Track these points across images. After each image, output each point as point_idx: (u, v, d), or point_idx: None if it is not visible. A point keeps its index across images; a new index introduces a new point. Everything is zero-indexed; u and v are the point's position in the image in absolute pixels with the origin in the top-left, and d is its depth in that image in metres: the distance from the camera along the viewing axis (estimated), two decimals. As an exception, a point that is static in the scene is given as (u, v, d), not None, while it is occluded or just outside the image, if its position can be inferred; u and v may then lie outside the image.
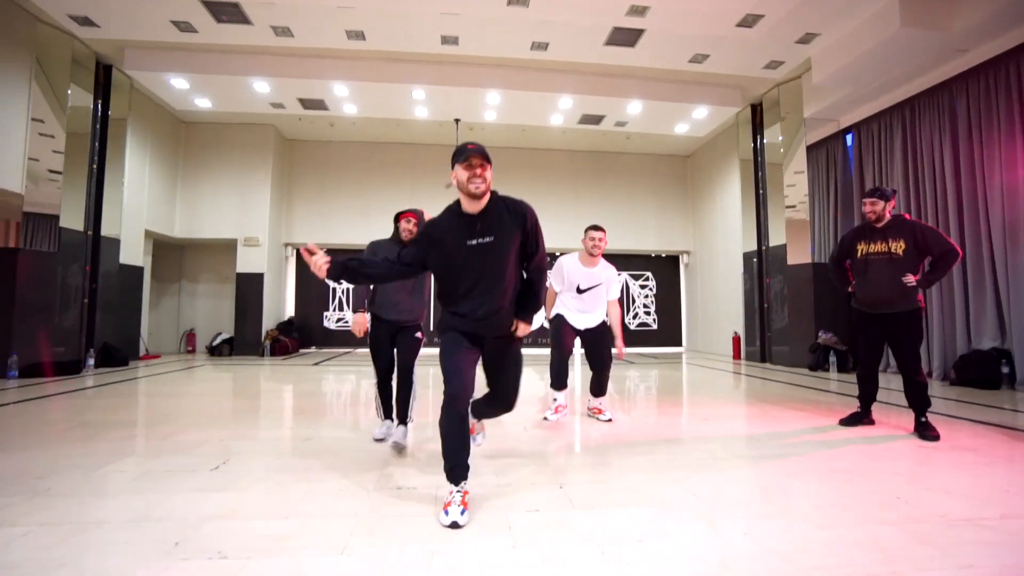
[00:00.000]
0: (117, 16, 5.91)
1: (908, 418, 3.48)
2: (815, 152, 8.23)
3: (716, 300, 10.03)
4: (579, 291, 3.54)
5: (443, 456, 1.98)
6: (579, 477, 2.43)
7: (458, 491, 1.92)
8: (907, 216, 3.37)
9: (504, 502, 2.10)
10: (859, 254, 3.38)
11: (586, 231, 3.59)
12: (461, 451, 1.96)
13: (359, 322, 2.98)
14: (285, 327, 9.89)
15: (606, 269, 3.60)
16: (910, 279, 3.18)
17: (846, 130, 7.72)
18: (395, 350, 3.06)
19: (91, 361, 6.76)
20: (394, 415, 3.08)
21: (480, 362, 2.15)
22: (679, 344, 11.39)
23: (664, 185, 11.25)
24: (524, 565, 1.58)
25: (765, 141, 8.17)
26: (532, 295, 2.15)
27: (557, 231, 10.70)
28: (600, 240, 3.49)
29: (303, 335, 10.36)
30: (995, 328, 5.56)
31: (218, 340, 9.24)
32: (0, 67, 5.74)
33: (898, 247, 3.24)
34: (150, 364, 7.67)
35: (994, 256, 5.54)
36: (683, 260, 11.48)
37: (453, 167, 1.99)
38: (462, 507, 1.87)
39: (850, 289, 3.50)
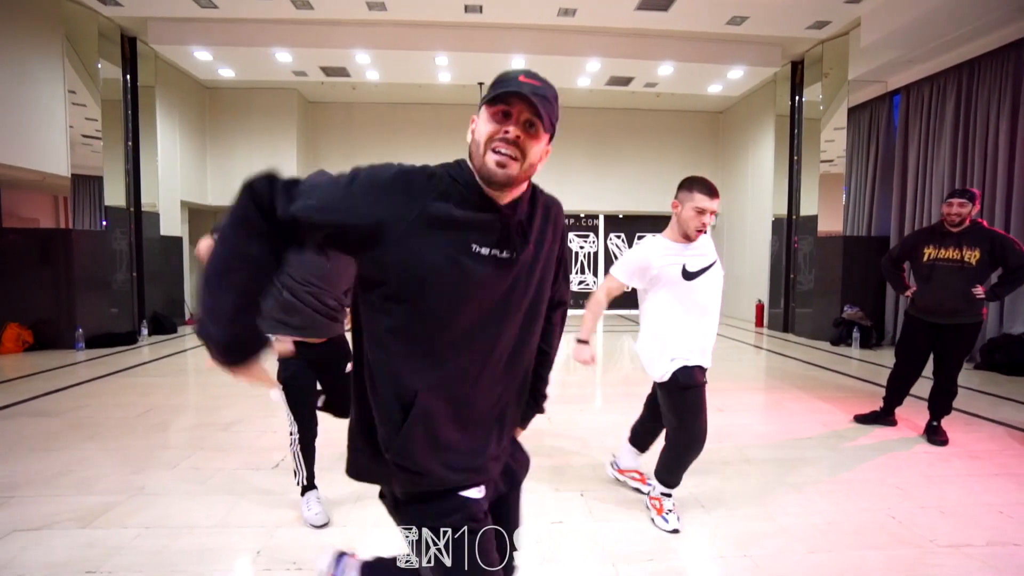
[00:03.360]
0: (139, -7, 5.88)
1: (923, 415, 3.46)
2: (857, 115, 7.79)
3: (742, 264, 9.94)
4: (687, 276, 2.13)
5: None
6: (599, 485, 2.67)
7: None
8: (984, 223, 3.17)
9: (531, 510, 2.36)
10: (925, 258, 3.18)
11: (688, 190, 2.12)
12: None
13: None
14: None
15: (710, 244, 2.27)
16: (979, 291, 3.04)
17: (894, 92, 7.25)
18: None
19: (144, 331, 7.30)
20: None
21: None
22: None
23: (694, 143, 10.85)
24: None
25: (804, 99, 7.76)
26: (548, 363, 1.21)
27: (582, 194, 10.60)
28: (712, 215, 2.12)
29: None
30: (1029, 312, 5.47)
31: (256, 303, 9.73)
32: (34, 51, 5.84)
33: (972, 256, 3.03)
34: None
35: (1037, 238, 5.35)
36: (711, 222, 11.25)
37: (480, 108, 0.95)
38: None
39: (908, 294, 3.35)
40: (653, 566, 1.95)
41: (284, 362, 2.11)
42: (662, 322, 2.16)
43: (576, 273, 11.06)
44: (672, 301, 2.15)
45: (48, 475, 2.71)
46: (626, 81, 8.24)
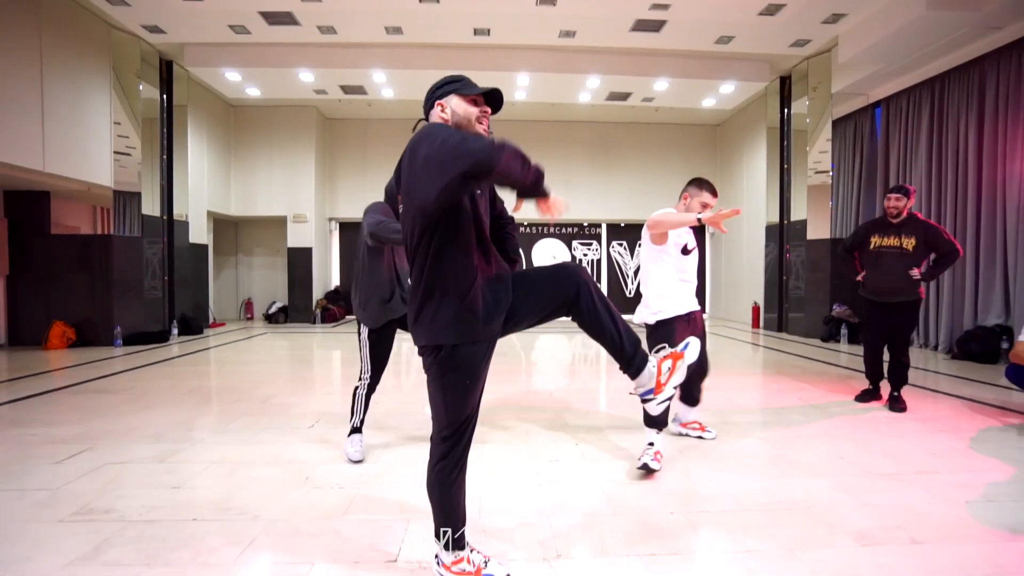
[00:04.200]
0: (183, 24, 6.55)
1: (912, 394, 3.90)
2: (842, 125, 8.27)
3: (739, 268, 10.35)
4: (686, 251, 2.75)
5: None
6: (591, 435, 3.10)
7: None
8: (919, 215, 3.67)
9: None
10: (872, 246, 3.68)
11: (699, 187, 2.72)
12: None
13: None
14: (332, 296, 10.83)
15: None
16: (916, 273, 3.54)
17: (875, 104, 7.73)
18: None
19: (175, 331, 7.82)
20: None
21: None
22: (703, 311, 11.81)
23: (693, 154, 11.36)
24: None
25: (793, 112, 8.26)
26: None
27: (586, 203, 11.10)
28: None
29: (348, 303, 11.31)
30: (1001, 306, 5.84)
31: (273, 308, 10.26)
32: (86, 74, 6.48)
33: (909, 243, 3.54)
34: (219, 332, 8.73)
35: (1007, 238, 5.75)
36: (709, 229, 11.71)
37: (445, 95, 1.48)
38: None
39: (859, 278, 3.82)
40: (636, 486, 2.36)
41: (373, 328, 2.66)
42: (662, 286, 2.72)
43: (580, 279, 11.49)
44: (673, 272, 2.74)
45: (122, 431, 3.18)
46: (624, 96, 8.79)
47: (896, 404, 3.65)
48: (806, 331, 7.90)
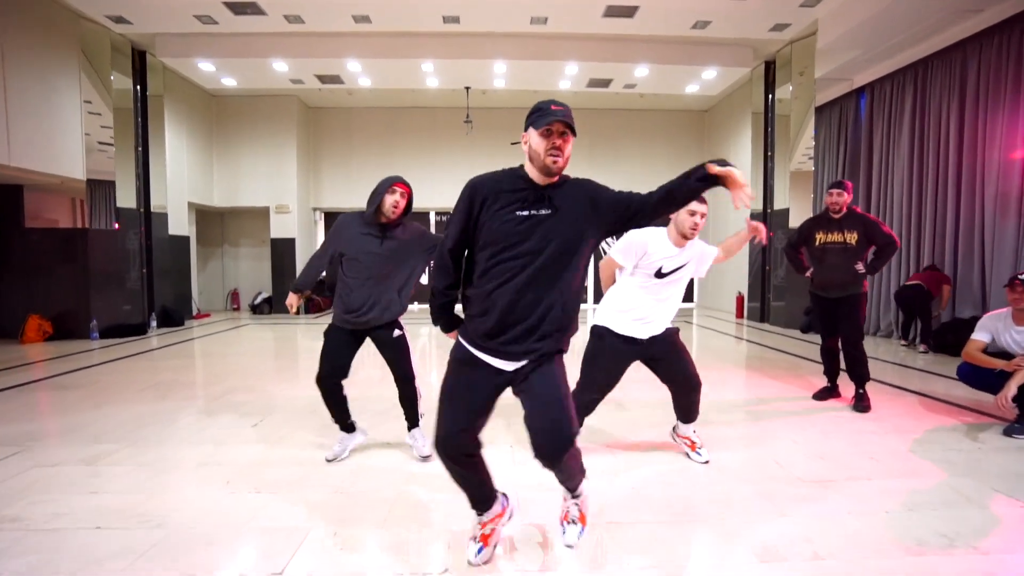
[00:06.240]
0: (147, 14, 6.44)
1: (875, 391, 3.80)
2: (827, 111, 8.09)
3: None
4: (659, 275, 2.46)
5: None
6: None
7: (479, 522, 1.80)
8: (857, 209, 3.64)
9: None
10: (817, 243, 3.65)
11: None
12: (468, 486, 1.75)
13: (291, 302, 2.76)
14: (317, 287, 10.81)
15: (695, 243, 2.53)
16: (860, 267, 3.52)
17: (860, 90, 7.54)
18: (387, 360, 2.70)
19: (154, 323, 7.85)
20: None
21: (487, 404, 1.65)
22: (690, 300, 11.74)
23: (681, 142, 11.18)
24: None
25: (777, 97, 8.08)
26: None
27: (570, 192, 10.96)
28: (702, 218, 2.36)
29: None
30: (978, 298, 5.74)
31: (259, 299, 10.27)
32: (54, 65, 6.39)
33: (852, 237, 3.52)
34: (202, 323, 8.75)
35: (984, 227, 5.63)
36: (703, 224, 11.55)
37: (527, 128, 1.58)
38: (480, 544, 1.76)
39: (807, 275, 3.80)
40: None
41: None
42: (622, 301, 2.52)
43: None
44: (639, 290, 2.49)
45: (64, 431, 3.18)
46: (605, 83, 8.62)
47: (860, 403, 3.57)
48: (787, 322, 7.83)
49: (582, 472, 1.80)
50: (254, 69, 8.04)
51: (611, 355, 2.52)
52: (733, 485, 2.41)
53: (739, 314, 9.29)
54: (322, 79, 8.46)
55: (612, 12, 6.35)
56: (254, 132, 10.10)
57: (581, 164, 10.96)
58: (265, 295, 10.37)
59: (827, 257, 3.60)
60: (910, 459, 2.72)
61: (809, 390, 4.09)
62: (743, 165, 9.25)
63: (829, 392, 3.87)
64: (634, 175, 10.95)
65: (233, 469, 2.60)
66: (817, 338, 6.85)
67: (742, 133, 9.30)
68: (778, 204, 8.08)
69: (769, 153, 8.33)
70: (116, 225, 7.30)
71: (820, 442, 2.98)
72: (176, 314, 8.34)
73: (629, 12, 6.32)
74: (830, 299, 3.66)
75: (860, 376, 3.60)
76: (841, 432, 3.15)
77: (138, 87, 7.82)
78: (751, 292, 8.94)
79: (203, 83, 8.93)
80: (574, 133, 1.56)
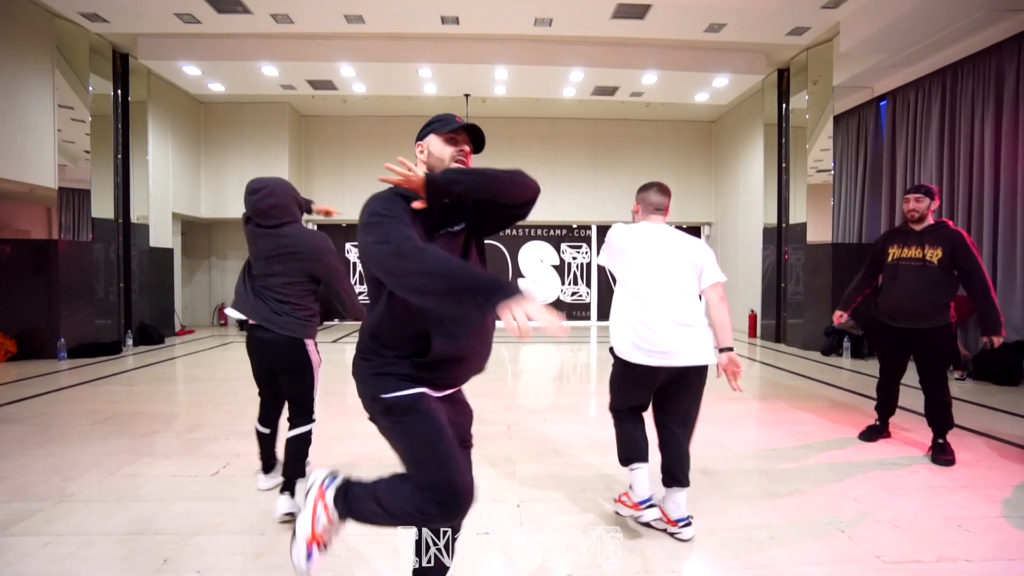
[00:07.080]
0: (123, 11, 6.02)
1: (915, 425, 3.31)
2: (845, 121, 7.72)
3: (735, 273, 9.80)
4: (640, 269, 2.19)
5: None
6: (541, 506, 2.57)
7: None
8: (950, 223, 3.00)
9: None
10: (890, 258, 3.04)
11: (641, 192, 2.34)
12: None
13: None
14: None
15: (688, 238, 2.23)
16: (984, 342, 2.85)
17: (880, 98, 7.17)
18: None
19: (130, 341, 7.33)
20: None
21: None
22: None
23: (688, 153, 10.81)
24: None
25: (791, 107, 7.70)
26: None
27: (575, 204, 10.58)
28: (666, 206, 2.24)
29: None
30: (1021, 319, 5.29)
31: (247, 315, 9.75)
32: (24, 66, 5.97)
33: (934, 255, 2.88)
34: (184, 340, 8.23)
35: (1026, 243, 5.20)
36: (704, 232, 11.16)
37: (425, 136, 1.46)
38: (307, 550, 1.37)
39: (836, 320, 3.25)
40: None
41: None
42: (615, 308, 2.30)
43: (568, 284, 10.99)
44: (623, 293, 2.28)
45: (-18, 482, 2.67)
46: (612, 91, 8.25)
47: (941, 454, 2.94)
48: (805, 342, 7.35)
49: None
50: (242, 73, 7.64)
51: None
52: (802, 567, 1.91)
53: (752, 333, 8.82)
54: (314, 85, 8.06)
55: (622, 12, 5.97)
56: (244, 140, 9.69)
57: (583, 174, 10.58)
58: (253, 310, 9.85)
59: (900, 277, 2.97)
60: (1009, 532, 2.22)
61: (845, 426, 3.60)
62: (754, 177, 8.85)
63: (879, 432, 3.35)
64: (633, 187, 10.49)
65: (175, 541, 2.10)
66: (843, 362, 6.52)
67: (753, 144, 8.92)
68: (795, 218, 7.66)
69: (784, 165, 7.94)
70: (91, 236, 6.82)
71: (889, 503, 2.48)
72: (155, 331, 7.82)
73: (640, 12, 5.94)
74: (898, 328, 3.05)
75: (942, 424, 3.00)
76: (907, 488, 2.66)
77: (119, 91, 7.41)
78: (764, 309, 8.48)
79: (189, 88, 8.53)
80: (479, 149, 1.50)
